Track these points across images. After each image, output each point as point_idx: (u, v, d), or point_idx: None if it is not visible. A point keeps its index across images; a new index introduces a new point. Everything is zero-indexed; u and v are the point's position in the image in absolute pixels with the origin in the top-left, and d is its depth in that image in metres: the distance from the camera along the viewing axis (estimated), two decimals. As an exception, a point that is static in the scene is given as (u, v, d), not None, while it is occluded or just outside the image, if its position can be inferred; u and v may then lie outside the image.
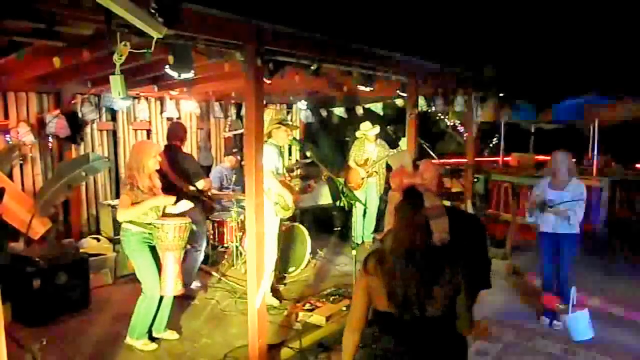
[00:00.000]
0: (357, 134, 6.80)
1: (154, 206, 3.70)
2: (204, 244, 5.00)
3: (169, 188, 4.05)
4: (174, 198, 3.84)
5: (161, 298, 3.81)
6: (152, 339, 3.93)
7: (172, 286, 3.64)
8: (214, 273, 5.50)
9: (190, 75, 3.19)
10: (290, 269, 5.59)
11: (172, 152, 4.68)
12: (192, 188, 4.67)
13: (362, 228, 6.88)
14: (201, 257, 4.98)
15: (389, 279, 1.89)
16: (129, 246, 3.70)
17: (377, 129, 6.68)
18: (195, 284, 5.06)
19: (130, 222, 3.64)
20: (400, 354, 1.92)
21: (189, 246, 4.38)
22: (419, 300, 1.85)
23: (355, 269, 4.23)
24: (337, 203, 4.67)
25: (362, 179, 6.66)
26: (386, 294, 1.88)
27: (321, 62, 3.98)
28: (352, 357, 2.03)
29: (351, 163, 6.73)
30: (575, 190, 4.18)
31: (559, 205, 4.14)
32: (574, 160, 4.38)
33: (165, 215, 3.79)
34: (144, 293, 3.73)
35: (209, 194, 4.13)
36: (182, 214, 3.82)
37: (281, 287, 5.17)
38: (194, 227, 4.36)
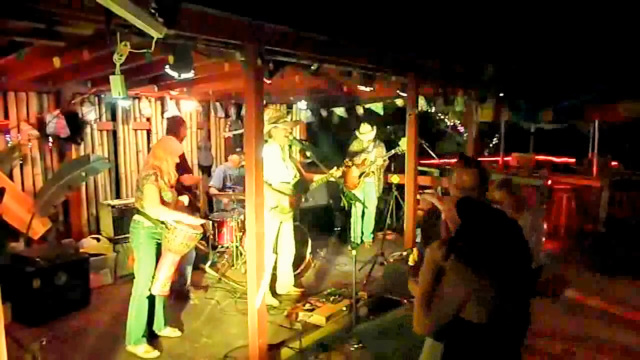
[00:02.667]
0: (356, 132, 6.82)
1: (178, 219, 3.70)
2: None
3: None
4: (202, 221, 3.90)
5: (153, 298, 3.83)
6: (155, 337, 3.94)
7: (160, 286, 3.68)
8: (214, 273, 5.50)
9: (190, 75, 3.19)
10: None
11: None
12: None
13: (362, 228, 6.88)
14: (192, 255, 4.93)
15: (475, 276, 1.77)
16: (137, 238, 3.72)
17: (372, 134, 6.67)
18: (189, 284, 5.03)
19: (144, 215, 3.67)
20: None
21: None
22: (512, 291, 1.79)
23: (355, 269, 4.22)
24: (338, 203, 4.65)
25: (359, 177, 6.65)
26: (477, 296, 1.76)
27: (321, 62, 3.98)
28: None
29: (348, 161, 6.72)
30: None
31: None
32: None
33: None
34: (134, 290, 3.74)
35: (196, 191, 4.12)
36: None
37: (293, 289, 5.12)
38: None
